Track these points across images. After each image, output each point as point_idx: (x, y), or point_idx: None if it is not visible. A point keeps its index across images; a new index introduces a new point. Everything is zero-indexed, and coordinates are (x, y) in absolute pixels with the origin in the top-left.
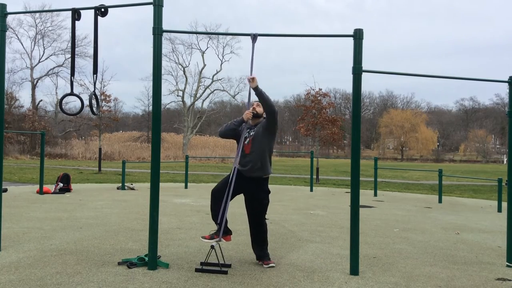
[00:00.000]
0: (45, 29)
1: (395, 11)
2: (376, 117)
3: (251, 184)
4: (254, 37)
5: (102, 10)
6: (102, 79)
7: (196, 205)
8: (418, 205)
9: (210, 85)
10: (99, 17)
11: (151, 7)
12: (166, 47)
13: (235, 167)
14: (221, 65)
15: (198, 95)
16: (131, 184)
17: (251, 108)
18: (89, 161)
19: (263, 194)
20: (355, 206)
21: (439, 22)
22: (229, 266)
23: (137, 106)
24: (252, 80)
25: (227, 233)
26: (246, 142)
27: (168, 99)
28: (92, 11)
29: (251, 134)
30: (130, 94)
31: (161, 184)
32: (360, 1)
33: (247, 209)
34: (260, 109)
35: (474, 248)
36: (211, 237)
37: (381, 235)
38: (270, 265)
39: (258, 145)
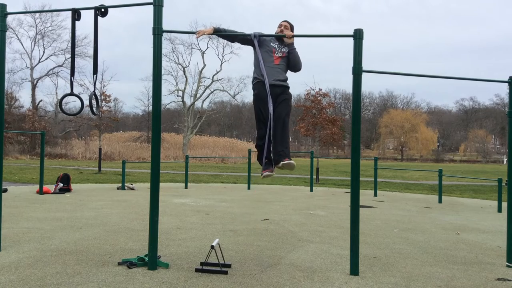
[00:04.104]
0: (45, 29)
1: (392, 13)
2: (376, 117)
3: (277, 89)
4: (254, 37)
5: (102, 10)
6: (102, 79)
7: (196, 205)
8: (418, 205)
9: (210, 85)
10: (99, 17)
11: (151, 8)
12: (166, 47)
13: (260, 81)
14: (221, 65)
15: (198, 95)
16: (131, 184)
17: (279, 29)
18: (89, 161)
19: (288, 95)
20: (355, 206)
21: (437, 23)
22: (229, 266)
23: (137, 106)
24: (291, 37)
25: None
26: (277, 54)
27: (168, 99)
28: (92, 11)
29: (283, 50)
30: (130, 94)
31: (161, 184)
32: (357, 2)
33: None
34: (288, 32)
35: (474, 248)
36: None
37: (381, 235)
38: (290, 162)
39: (285, 65)
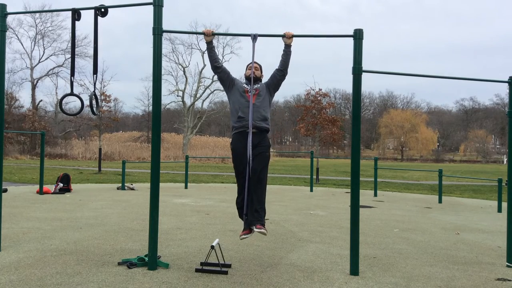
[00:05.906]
0: (45, 29)
1: (391, 13)
2: (376, 117)
3: (254, 139)
4: (254, 37)
5: (102, 10)
6: (102, 79)
7: (196, 205)
8: (418, 205)
9: (210, 85)
10: (99, 18)
11: (151, 8)
12: (166, 47)
13: (241, 131)
14: None
15: (198, 95)
16: (131, 184)
17: (249, 71)
18: (89, 161)
19: (265, 148)
20: (355, 206)
21: (436, 23)
22: (229, 266)
23: (137, 106)
24: (291, 37)
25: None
26: (250, 93)
27: (168, 99)
28: (92, 11)
29: (256, 87)
30: (130, 94)
31: (161, 184)
32: (355, 3)
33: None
34: (258, 73)
35: (474, 248)
36: (250, 230)
37: (381, 235)
38: (262, 230)
39: (263, 99)
